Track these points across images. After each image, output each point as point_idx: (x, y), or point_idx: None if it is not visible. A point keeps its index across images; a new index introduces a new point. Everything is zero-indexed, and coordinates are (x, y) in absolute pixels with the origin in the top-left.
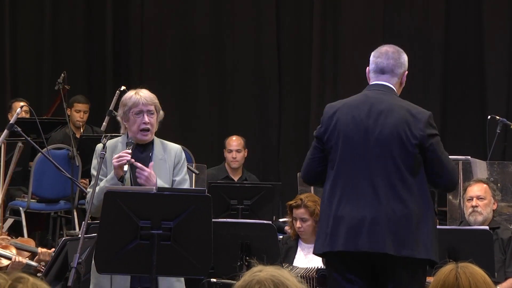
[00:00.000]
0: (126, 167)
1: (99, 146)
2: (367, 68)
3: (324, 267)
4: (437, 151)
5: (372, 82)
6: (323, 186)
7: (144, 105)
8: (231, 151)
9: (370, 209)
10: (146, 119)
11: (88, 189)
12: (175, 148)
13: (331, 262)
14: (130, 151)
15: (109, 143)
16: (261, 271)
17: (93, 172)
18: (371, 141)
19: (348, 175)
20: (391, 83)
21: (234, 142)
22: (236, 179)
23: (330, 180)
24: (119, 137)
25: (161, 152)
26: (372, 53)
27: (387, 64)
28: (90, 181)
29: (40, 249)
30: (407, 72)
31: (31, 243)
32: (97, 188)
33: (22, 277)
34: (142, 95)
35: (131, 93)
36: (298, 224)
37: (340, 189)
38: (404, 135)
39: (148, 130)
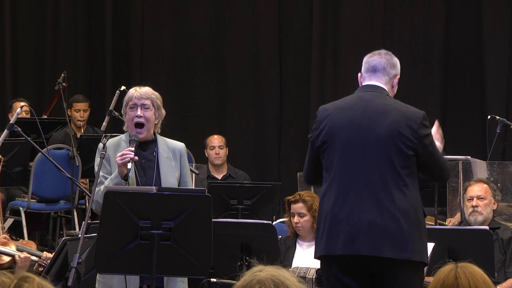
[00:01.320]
0: (130, 165)
1: (101, 145)
2: (359, 74)
3: None
4: (430, 151)
5: (364, 83)
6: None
7: (137, 98)
8: (213, 147)
9: (366, 212)
10: (139, 112)
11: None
12: (179, 146)
13: (328, 266)
14: (133, 148)
15: (111, 141)
16: (262, 271)
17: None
18: (366, 143)
19: (344, 178)
20: (383, 82)
21: (216, 139)
22: (219, 177)
23: (326, 183)
24: (121, 135)
25: (166, 151)
26: (364, 57)
27: (379, 61)
28: (89, 182)
29: (45, 253)
30: (399, 76)
31: (32, 246)
32: (102, 187)
33: (28, 277)
34: (139, 90)
35: (130, 90)
36: (295, 219)
37: (336, 191)
38: (398, 136)
39: (141, 124)
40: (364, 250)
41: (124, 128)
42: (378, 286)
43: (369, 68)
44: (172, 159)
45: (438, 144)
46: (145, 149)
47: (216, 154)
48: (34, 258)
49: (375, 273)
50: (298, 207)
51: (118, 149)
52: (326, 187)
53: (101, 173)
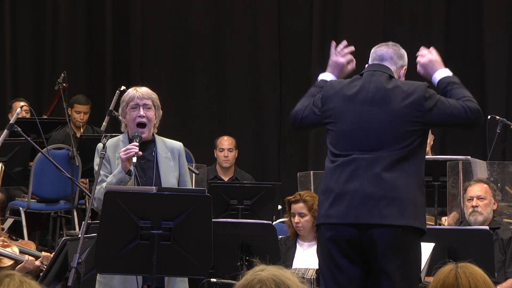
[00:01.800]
0: (134, 159)
1: (100, 145)
2: (366, 65)
3: None
4: (441, 111)
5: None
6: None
7: (139, 98)
8: (223, 149)
9: (367, 187)
10: (142, 112)
11: (97, 187)
12: (177, 145)
13: (324, 239)
14: (137, 143)
15: (110, 142)
16: (263, 271)
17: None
18: (371, 123)
19: (348, 156)
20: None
21: (226, 141)
22: (226, 179)
23: (331, 162)
24: (119, 136)
25: (165, 150)
26: (372, 48)
27: (386, 51)
28: (89, 181)
29: (43, 253)
30: (406, 67)
31: (31, 246)
32: (104, 184)
33: (10, 273)
34: (140, 90)
35: (129, 90)
36: (296, 219)
37: (340, 169)
38: (403, 115)
39: (144, 124)
40: (363, 219)
41: (122, 129)
42: (372, 262)
43: (376, 57)
44: (171, 158)
45: (436, 57)
46: (144, 149)
47: (225, 156)
48: (37, 263)
49: (369, 247)
50: (299, 207)
51: (117, 150)
52: (330, 164)
53: (102, 173)
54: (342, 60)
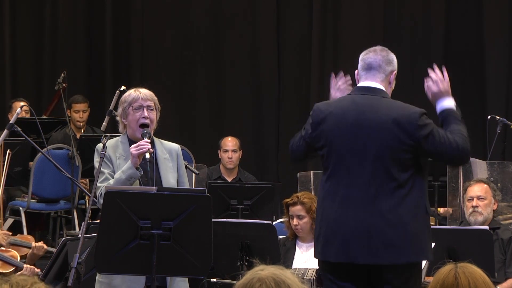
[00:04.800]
0: (147, 155)
1: (100, 145)
2: (356, 71)
3: None
4: (434, 141)
5: (359, 83)
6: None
7: (143, 100)
8: (227, 151)
9: (362, 220)
10: (146, 113)
11: (99, 184)
12: (175, 147)
13: (325, 268)
14: (149, 140)
15: (109, 143)
16: (263, 270)
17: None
18: (363, 152)
19: (341, 186)
20: (378, 80)
21: (230, 142)
22: (230, 179)
23: (324, 189)
24: (118, 137)
25: (163, 151)
26: (361, 54)
27: (374, 59)
28: (89, 182)
29: (33, 244)
30: (396, 72)
31: (29, 239)
32: (111, 181)
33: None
34: (142, 91)
35: (130, 91)
36: (295, 221)
37: (333, 199)
38: (395, 144)
39: (147, 125)
40: (360, 259)
41: (120, 130)
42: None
43: (365, 65)
44: (170, 160)
45: (446, 88)
46: None
47: (228, 158)
48: (37, 270)
49: (372, 276)
50: (297, 209)
51: (117, 150)
52: (324, 193)
53: (106, 171)
54: (340, 95)
